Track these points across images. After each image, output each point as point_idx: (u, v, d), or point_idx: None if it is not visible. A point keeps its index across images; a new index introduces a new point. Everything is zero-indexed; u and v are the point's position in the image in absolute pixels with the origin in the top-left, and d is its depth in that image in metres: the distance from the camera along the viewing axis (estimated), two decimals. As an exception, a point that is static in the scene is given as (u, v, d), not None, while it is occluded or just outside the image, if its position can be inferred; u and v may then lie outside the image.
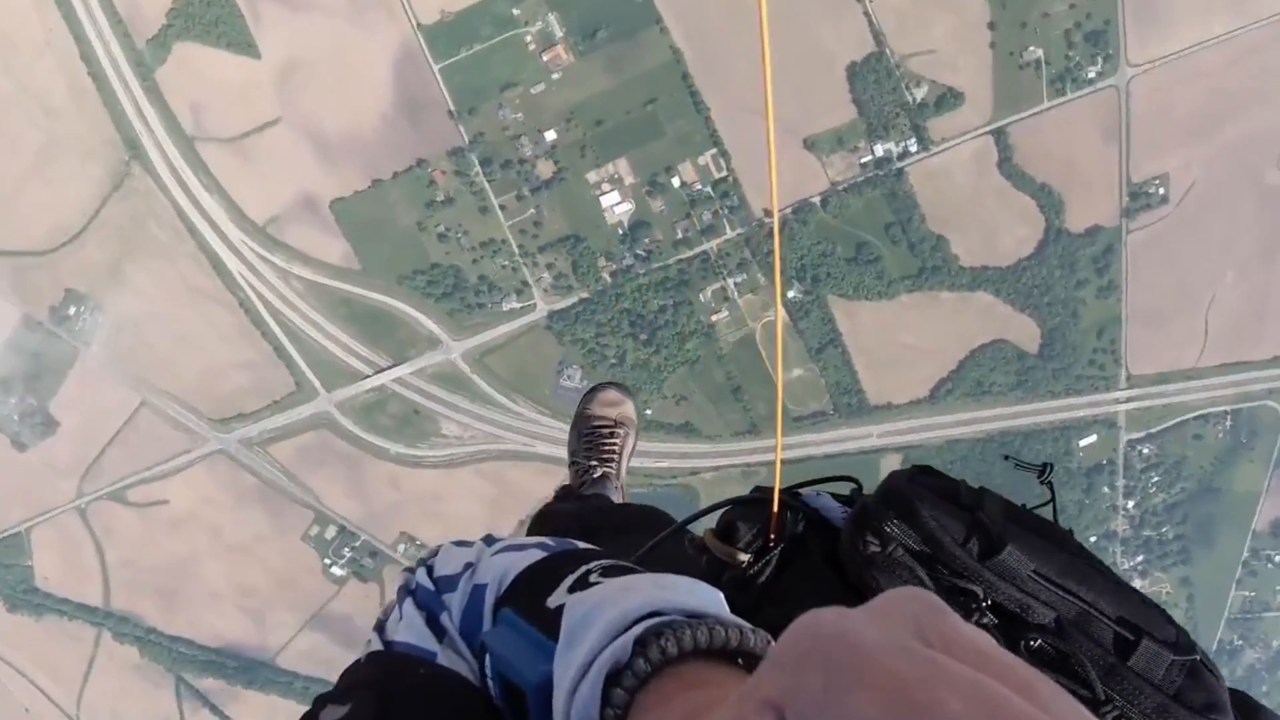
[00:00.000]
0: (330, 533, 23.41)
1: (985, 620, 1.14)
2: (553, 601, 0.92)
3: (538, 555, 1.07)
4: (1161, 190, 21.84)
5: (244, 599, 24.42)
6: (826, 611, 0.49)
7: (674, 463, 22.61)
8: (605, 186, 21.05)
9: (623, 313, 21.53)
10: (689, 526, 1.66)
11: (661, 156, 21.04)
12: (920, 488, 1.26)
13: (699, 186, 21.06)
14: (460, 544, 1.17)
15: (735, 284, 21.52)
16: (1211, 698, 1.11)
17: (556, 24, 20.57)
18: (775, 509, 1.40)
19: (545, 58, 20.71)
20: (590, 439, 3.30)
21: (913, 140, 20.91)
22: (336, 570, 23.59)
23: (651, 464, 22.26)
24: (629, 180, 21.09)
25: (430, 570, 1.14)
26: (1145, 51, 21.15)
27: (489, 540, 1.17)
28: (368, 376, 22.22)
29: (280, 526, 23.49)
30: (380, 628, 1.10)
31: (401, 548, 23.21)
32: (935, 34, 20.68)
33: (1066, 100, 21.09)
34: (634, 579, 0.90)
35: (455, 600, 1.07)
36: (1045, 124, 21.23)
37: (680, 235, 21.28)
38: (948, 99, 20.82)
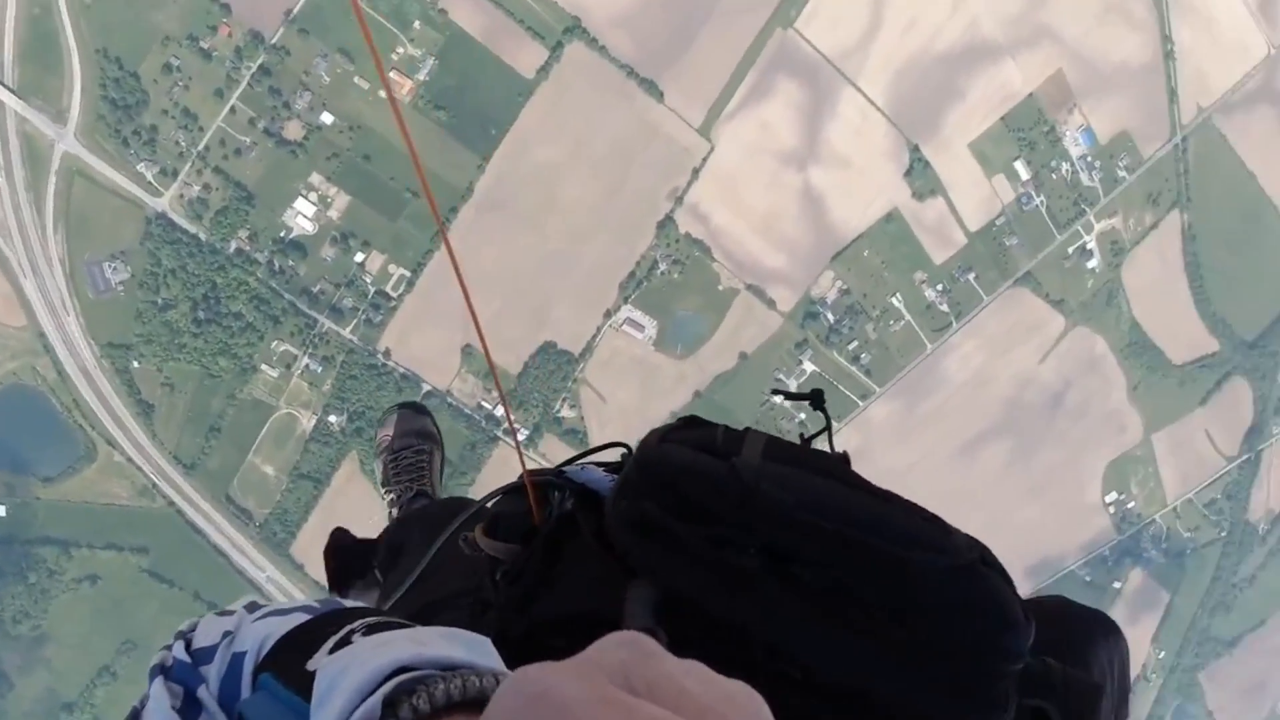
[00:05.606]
0: None
1: (751, 563, 1.11)
2: (312, 665, 0.86)
3: (301, 618, 1.00)
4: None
5: None
6: (534, 668, 0.49)
7: (101, 414, 20.88)
8: (313, 197, 20.18)
9: (210, 282, 20.25)
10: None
11: (373, 231, 20.54)
12: (672, 444, 1.23)
13: (368, 279, 20.63)
14: (222, 614, 1.08)
15: (306, 366, 20.87)
16: (991, 602, 1.10)
17: (426, 68, 20.09)
18: (530, 490, 1.41)
19: (392, 74, 20.05)
20: (396, 462, 3.31)
21: (525, 433, 21.59)
22: None
23: (85, 394, 20.56)
24: (332, 215, 20.35)
25: (188, 644, 1.05)
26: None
27: (251, 607, 1.08)
28: (-19, 70, 19.52)
29: None
30: (135, 716, 0.99)
31: None
32: (619, 396, 21.84)
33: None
34: (388, 635, 0.85)
35: (213, 671, 1.00)
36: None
37: (316, 290, 20.57)
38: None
